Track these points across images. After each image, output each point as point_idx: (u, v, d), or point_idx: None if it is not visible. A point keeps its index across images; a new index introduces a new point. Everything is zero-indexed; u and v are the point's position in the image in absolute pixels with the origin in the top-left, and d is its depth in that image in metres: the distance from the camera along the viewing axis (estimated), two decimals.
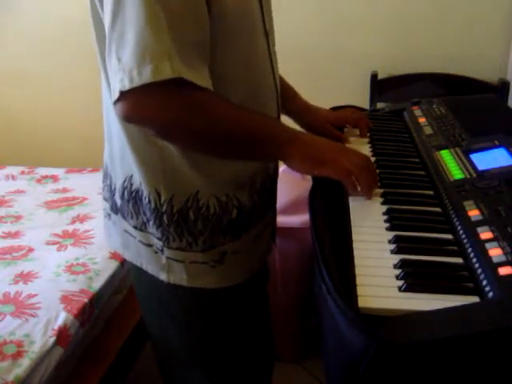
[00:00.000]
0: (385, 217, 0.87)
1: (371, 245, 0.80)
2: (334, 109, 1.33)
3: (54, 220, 1.88)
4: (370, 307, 0.67)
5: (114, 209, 1.05)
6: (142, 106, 0.81)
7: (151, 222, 0.98)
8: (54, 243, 1.73)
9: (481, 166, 0.95)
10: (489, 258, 0.71)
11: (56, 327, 1.35)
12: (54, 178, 2.25)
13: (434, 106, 1.28)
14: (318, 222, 0.89)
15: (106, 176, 1.06)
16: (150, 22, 0.77)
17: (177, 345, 1.11)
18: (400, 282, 0.71)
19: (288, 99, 1.21)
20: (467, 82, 2.16)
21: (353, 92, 2.30)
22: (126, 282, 1.63)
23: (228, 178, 0.97)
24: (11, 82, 2.67)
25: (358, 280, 0.72)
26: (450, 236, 0.82)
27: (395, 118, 1.33)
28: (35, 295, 1.45)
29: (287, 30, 2.18)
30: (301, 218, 1.75)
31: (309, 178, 1.04)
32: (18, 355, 1.26)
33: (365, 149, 1.15)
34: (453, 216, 0.85)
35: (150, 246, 1.01)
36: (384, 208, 0.90)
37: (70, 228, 1.82)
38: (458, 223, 0.82)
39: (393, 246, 0.79)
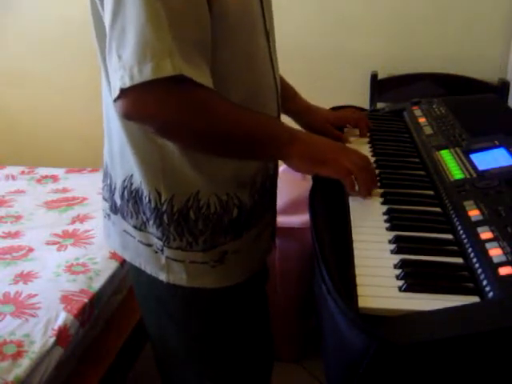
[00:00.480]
0: (385, 217, 0.87)
1: (371, 245, 0.80)
2: (334, 109, 1.33)
3: (54, 220, 1.88)
4: (370, 307, 0.67)
5: (114, 209, 1.05)
6: (143, 104, 0.81)
7: (151, 222, 0.98)
8: (54, 243, 1.73)
9: (481, 166, 0.95)
10: (489, 258, 0.71)
11: (56, 327, 1.35)
12: (54, 178, 2.25)
13: (434, 106, 1.28)
14: (318, 222, 0.89)
15: (106, 175, 1.06)
16: (150, 20, 0.77)
17: (175, 344, 1.11)
18: (400, 282, 0.71)
19: (288, 99, 1.21)
20: (467, 82, 2.16)
21: (353, 92, 2.31)
22: (125, 281, 1.63)
23: (229, 177, 0.97)
24: (11, 82, 2.67)
25: (358, 280, 0.72)
26: (450, 236, 0.82)
27: (395, 118, 1.33)
28: (35, 295, 1.45)
29: (287, 30, 2.18)
30: (301, 218, 1.75)
31: (309, 177, 1.04)
32: (18, 355, 1.26)
33: (365, 149, 1.15)
34: (453, 216, 0.85)
35: (149, 245, 1.01)
36: (384, 208, 0.90)
37: (70, 228, 1.82)
38: (458, 223, 0.82)
39: (393, 246, 0.79)
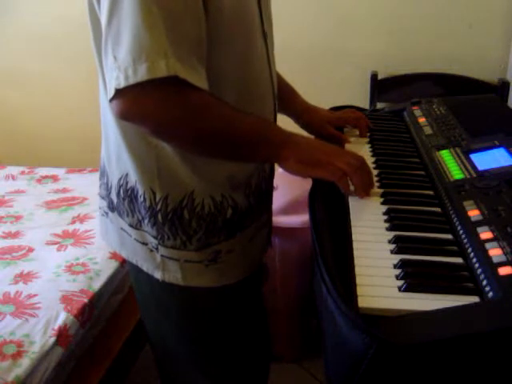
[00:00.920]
0: (385, 217, 0.87)
1: (371, 245, 0.80)
2: (334, 109, 1.33)
3: (54, 220, 1.88)
4: (370, 307, 0.67)
5: (111, 207, 1.05)
6: (137, 104, 0.81)
7: (146, 221, 0.98)
8: (54, 243, 1.73)
9: (481, 166, 0.95)
10: (489, 258, 0.71)
11: (56, 327, 1.35)
12: (54, 178, 2.25)
13: (434, 106, 1.28)
14: (318, 222, 0.89)
15: (103, 174, 1.07)
16: (146, 21, 0.77)
17: (173, 343, 1.12)
18: (400, 282, 0.71)
19: (288, 99, 1.21)
20: (467, 82, 2.16)
21: (353, 92, 2.31)
22: (125, 282, 1.63)
23: (224, 178, 0.97)
24: (11, 82, 2.68)
25: (358, 280, 0.72)
26: (450, 236, 0.82)
27: (395, 118, 1.33)
28: (35, 295, 1.45)
29: (287, 30, 2.18)
30: (301, 218, 1.75)
31: (308, 178, 1.04)
32: (18, 355, 1.26)
33: (365, 149, 1.15)
34: (453, 216, 0.85)
35: (145, 244, 1.01)
36: (384, 208, 0.90)
37: (70, 228, 1.82)
38: (458, 223, 0.82)
39: (393, 246, 0.79)
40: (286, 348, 1.96)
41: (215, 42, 0.87)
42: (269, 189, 1.11)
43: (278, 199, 1.75)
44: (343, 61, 2.29)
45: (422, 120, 1.23)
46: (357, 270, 0.74)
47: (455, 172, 0.96)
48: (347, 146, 1.16)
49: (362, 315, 0.65)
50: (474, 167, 0.96)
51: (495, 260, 0.71)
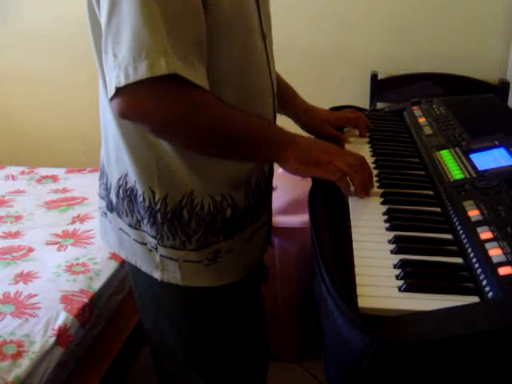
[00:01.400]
0: (385, 217, 0.87)
1: (371, 245, 0.80)
2: (334, 109, 1.33)
3: (54, 220, 1.88)
4: (369, 307, 0.67)
5: (110, 207, 1.05)
6: (138, 102, 0.81)
7: (145, 221, 0.98)
8: (54, 243, 1.73)
9: (481, 166, 0.95)
10: (489, 258, 0.71)
11: (56, 327, 1.35)
12: (54, 178, 2.25)
13: (434, 106, 1.28)
14: (318, 222, 0.89)
15: (103, 174, 1.07)
16: (146, 19, 0.77)
17: (171, 342, 1.12)
18: (400, 282, 0.71)
19: (287, 99, 1.21)
20: (467, 82, 2.16)
21: (353, 92, 2.31)
22: (125, 282, 1.63)
23: (223, 177, 0.97)
24: (11, 82, 2.68)
25: (358, 280, 0.72)
26: (449, 236, 0.82)
27: (395, 118, 1.33)
28: (35, 295, 1.45)
29: (287, 30, 2.18)
30: (301, 218, 1.75)
31: (309, 178, 1.05)
32: (18, 355, 1.26)
33: (365, 149, 1.15)
34: (453, 216, 0.85)
35: (144, 244, 1.01)
36: (384, 208, 0.90)
37: (70, 228, 1.82)
38: (457, 223, 0.82)
39: (393, 246, 0.79)
40: (285, 348, 1.96)
41: (214, 43, 0.87)
42: (268, 189, 1.11)
43: (278, 199, 1.75)
44: (343, 61, 2.29)
45: (422, 120, 1.23)
46: (357, 270, 0.74)
47: (455, 172, 0.96)
48: (347, 146, 1.16)
49: (361, 315, 0.65)
50: (474, 167, 0.96)
51: (495, 260, 0.71)
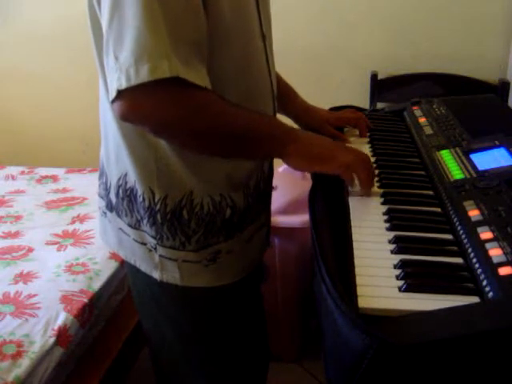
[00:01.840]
0: (385, 217, 0.87)
1: (371, 245, 0.80)
2: (334, 109, 1.33)
3: (53, 220, 1.88)
4: (370, 307, 0.67)
5: (109, 207, 1.05)
6: (139, 105, 0.81)
7: (145, 221, 0.98)
8: (54, 243, 1.73)
9: (481, 166, 0.95)
10: (489, 258, 0.71)
11: (56, 327, 1.35)
12: (54, 178, 2.25)
13: (434, 106, 1.28)
14: (318, 222, 0.89)
15: (102, 174, 1.07)
16: (147, 21, 0.77)
17: (170, 342, 1.12)
18: (400, 282, 0.71)
19: (287, 100, 1.21)
20: (467, 82, 2.16)
21: (353, 92, 2.31)
22: (125, 281, 1.63)
23: (223, 178, 0.97)
24: (11, 81, 2.68)
25: (358, 280, 0.72)
26: (450, 236, 0.82)
27: (395, 118, 1.33)
28: (35, 295, 1.45)
29: (287, 30, 2.18)
30: (301, 218, 1.75)
31: (309, 177, 1.05)
32: (17, 355, 1.26)
33: (365, 149, 1.15)
34: (453, 216, 0.85)
35: (143, 244, 1.01)
36: (384, 208, 0.90)
37: (70, 228, 1.82)
38: (458, 223, 0.82)
39: (393, 246, 0.79)
40: (285, 348, 1.96)
41: (215, 44, 0.87)
42: (267, 189, 1.11)
43: (278, 199, 1.75)
44: (343, 61, 2.29)
45: (422, 120, 1.23)
46: (357, 270, 0.74)
47: (455, 172, 0.96)
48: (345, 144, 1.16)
49: (362, 315, 0.65)
50: (474, 167, 0.96)
51: (495, 260, 0.71)
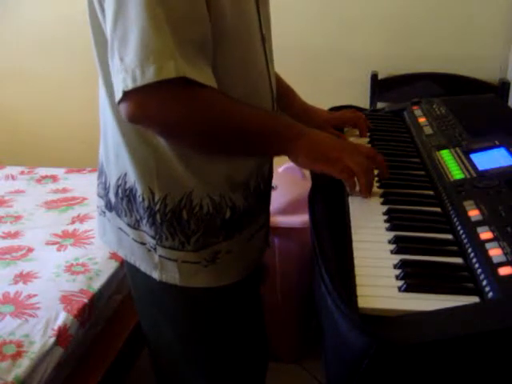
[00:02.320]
0: (385, 217, 0.87)
1: (371, 245, 0.80)
2: (334, 109, 1.33)
3: (53, 220, 1.88)
4: (369, 307, 0.67)
5: (109, 206, 1.05)
6: (146, 106, 0.81)
7: (144, 221, 0.98)
8: (54, 243, 1.73)
9: (481, 166, 0.95)
10: (489, 258, 0.71)
11: (56, 327, 1.35)
12: (54, 178, 2.25)
13: (434, 106, 1.28)
14: (318, 222, 0.89)
15: (101, 173, 1.07)
16: (152, 23, 0.77)
17: (170, 342, 1.12)
18: (400, 283, 0.71)
19: (287, 100, 1.21)
20: (467, 82, 2.16)
21: (353, 92, 2.30)
22: (125, 281, 1.62)
23: (222, 178, 0.97)
24: (11, 81, 2.67)
25: (358, 280, 0.72)
26: (450, 236, 0.82)
27: (395, 118, 1.33)
28: (35, 295, 1.45)
29: (288, 30, 2.18)
30: (301, 218, 1.75)
31: (309, 177, 1.04)
32: (17, 355, 1.26)
33: None
34: (453, 216, 0.85)
35: (143, 244, 1.01)
36: (384, 208, 0.90)
37: (70, 228, 1.82)
38: (457, 223, 0.82)
39: (393, 246, 0.79)
40: (286, 348, 1.96)
41: (216, 46, 0.87)
42: (267, 189, 1.11)
43: (278, 199, 1.75)
44: (343, 61, 2.29)
45: (422, 120, 1.23)
46: (357, 270, 0.74)
47: (455, 172, 0.96)
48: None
49: (361, 315, 0.65)
50: (474, 167, 0.95)
51: (495, 260, 0.71)
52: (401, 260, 0.75)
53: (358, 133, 1.24)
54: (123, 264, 1.59)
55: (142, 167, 0.95)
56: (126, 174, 0.98)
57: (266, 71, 1.02)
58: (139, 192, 0.97)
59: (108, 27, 0.82)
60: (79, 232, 1.79)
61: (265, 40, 1.01)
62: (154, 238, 0.99)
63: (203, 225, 0.98)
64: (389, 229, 0.84)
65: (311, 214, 0.93)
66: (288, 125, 0.94)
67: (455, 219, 0.83)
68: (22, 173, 2.31)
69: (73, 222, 1.86)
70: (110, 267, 1.60)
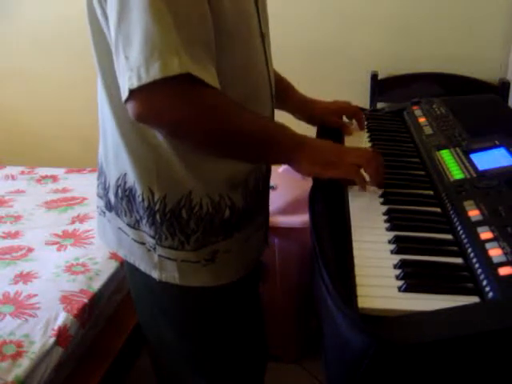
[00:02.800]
0: (385, 217, 0.87)
1: (371, 245, 0.80)
2: None
3: (53, 220, 1.88)
4: (369, 307, 0.67)
5: (108, 206, 1.05)
6: (152, 104, 0.81)
7: (144, 221, 0.98)
8: (54, 243, 1.73)
9: (481, 166, 0.95)
10: (489, 258, 0.71)
11: (56, 327, 1.35)
12: (54, 178, 2.25)
13: (433, 106, 1.28)
14: (318, 222, 0.89)
15: (101, 174, 1.07)
16: (156, 21, 0.77)
17: (169, 341, 1.12)
18: (400, 283, 0.71)
19: (286, 94, 1.22)
20: (467, 82, 2.16)
21: (353, 92, 2.30)
22: (125, 281, 1.62)
23: (222, 178, 0.98)
24: (11, 81, 2.67)
25: (358, 280, 0.72)
26: (449, 236, 0.82)
27: (395, 118, 1.33)
28: (35, 295, 1.45)
29: (288, 29, 2.18)
30: (301, 218, 1.75)
31: (309, 178, 1.04)
32: (17, 355, 1.26)
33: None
34: (453, 216, 0.85)
35: (142, 244, 1.01)
36: (384, 208, 0.90)
37: (70, 228, 1.82)
38: (458, 223, 0.82)
39: (393, 246, 0.79)
40: (285, 348, 1.96)
41: (217, 46, 0.87)
42: (266, 189, 1.11)
43: (278, 199, 1.75)
44: (343, 60, 2.29)
45: (422, 120, 1.23)
46: (357, 270, 0.74)
47: (455, 172, 0.96)
48: (347, 145, 1.16)
49: (361, 315, 0.65)
50: (474, 167, 0.95)
51: (495, 260, 0.71)
52: (401, 260, 0.75)
53: (355, 125, 1.24)
54: (123, 264, 1.60)
55: (141, 167, 0.95)
56: (125, 174, 0.98)
57: (266, 68, 1.02)
58: (139, 192, 0.97)
59: (112, 27, 0.82)
60: (79, 232, 1.79)
61: (264, 38, 1.01)
62: (153, 237, 0.99)
63: (203, 224, 0.98)
64: (389, 229, 0.84)
65: (311, 214, 0.93)
66: (290, 135, 0.94)
67: (455, 219, 0.83)
68: (22, 173, 2.31)
69: (73, 222, 1.86)
70: (110, 267, 1.60)
